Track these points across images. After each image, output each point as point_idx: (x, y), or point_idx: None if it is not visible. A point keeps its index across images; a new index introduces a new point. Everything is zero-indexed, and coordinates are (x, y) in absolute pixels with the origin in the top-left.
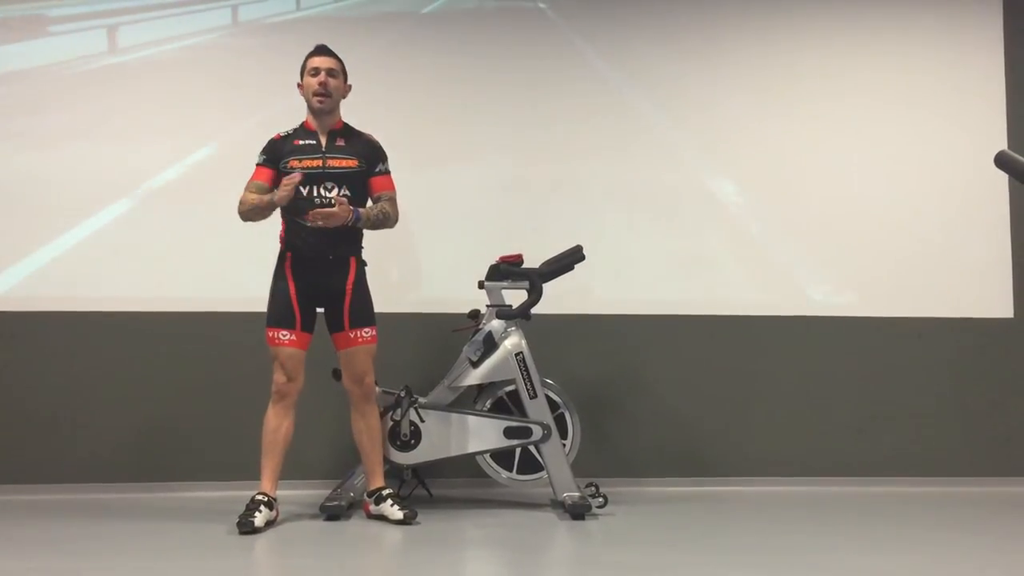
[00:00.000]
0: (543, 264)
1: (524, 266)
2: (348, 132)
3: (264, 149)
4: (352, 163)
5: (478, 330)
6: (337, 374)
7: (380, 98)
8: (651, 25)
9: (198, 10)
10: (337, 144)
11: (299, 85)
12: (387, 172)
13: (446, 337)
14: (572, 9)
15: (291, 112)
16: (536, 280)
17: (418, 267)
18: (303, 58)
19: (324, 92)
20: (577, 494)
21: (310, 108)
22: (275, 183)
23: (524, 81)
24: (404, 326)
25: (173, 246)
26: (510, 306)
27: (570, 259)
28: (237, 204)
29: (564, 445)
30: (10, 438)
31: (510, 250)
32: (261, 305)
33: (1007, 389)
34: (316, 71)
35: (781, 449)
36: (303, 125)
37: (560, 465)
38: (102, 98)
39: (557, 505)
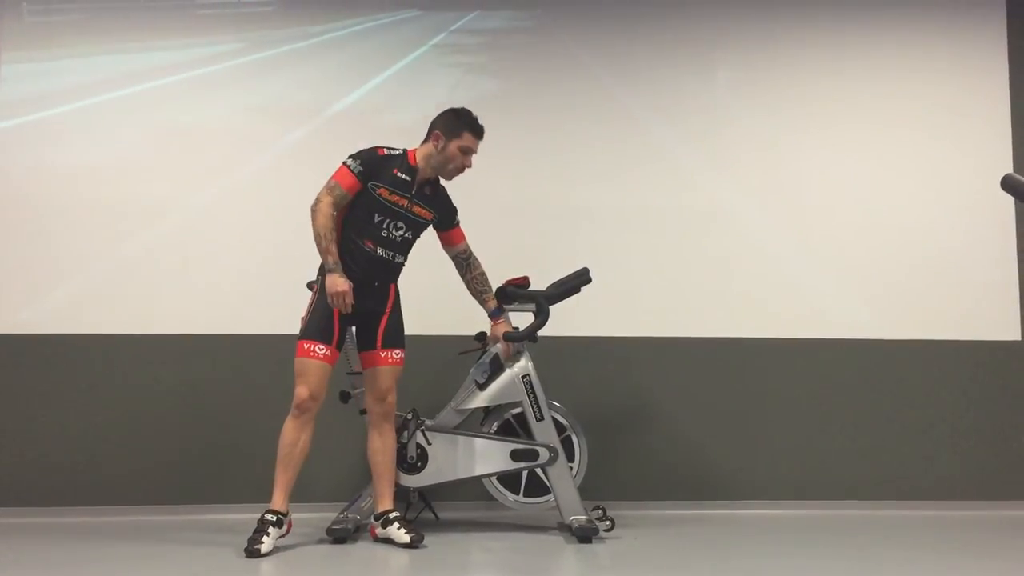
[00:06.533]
0: (550, 286)
1: (531, 288)
2: (433, 184)
3: (363, 157)
4: (428, 215)
5: (485, 352)
6: (344, 397)
7: (392, 123)
8: (663, 47)
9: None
10: (424, 192)
11: (437, 136)
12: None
13: (453, 359)
14: (583, 32)
15: (308, 137)
16: (543, 302)
17: (425, 289)
18: (457, 117)
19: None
20: (584, 517)
21: (436, 168)
22: (356, 194)
23: (531, 106)
24: (411, 348)
25: (192, 269)
26: (517, 328)
27: (577, 281)
28: (316, 200)
29: (571, 468)
30: (29, 460)
31: (517, 273)
32: (280, 327)
33: (1016, 412)
34: (468, 151)
35: (789, 472)
36: (407, 155)
37: (567, 488)
38: (130, 126)
39: (564, 528)
